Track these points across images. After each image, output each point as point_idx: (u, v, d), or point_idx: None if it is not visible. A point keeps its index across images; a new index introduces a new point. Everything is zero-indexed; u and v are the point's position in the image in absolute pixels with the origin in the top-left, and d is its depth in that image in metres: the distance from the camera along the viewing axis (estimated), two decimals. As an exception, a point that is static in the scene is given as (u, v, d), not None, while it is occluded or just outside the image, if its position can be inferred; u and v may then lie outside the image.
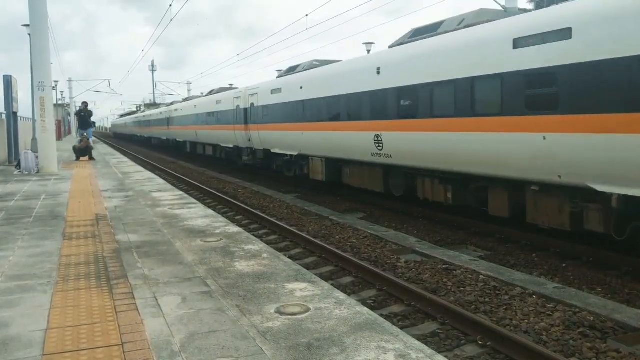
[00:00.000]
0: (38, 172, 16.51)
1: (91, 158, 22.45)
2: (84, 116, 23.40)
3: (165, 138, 43.34)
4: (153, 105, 63.64)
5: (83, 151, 22.46)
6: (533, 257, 8.82)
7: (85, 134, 22.98)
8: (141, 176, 16.31)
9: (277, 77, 20.08)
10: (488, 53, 9.07)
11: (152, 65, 78.42)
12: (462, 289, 7.18)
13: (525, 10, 9.78)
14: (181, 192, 12.65)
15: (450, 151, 10.06)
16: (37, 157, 16.97)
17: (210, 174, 24.06)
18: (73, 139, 35.64)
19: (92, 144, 23.38)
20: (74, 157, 22.70)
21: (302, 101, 15.90)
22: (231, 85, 25.31)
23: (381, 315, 5.68)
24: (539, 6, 9.04)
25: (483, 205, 10.30)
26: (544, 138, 8.05)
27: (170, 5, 24.82)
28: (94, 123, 24.56)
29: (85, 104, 25.00)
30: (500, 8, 10.77)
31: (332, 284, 6.62)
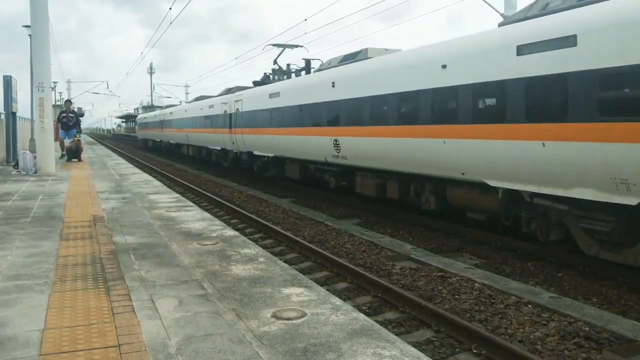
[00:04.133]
0: (36, 172, 16.48)
1: (76, 159, 22.29)
2: (67, 118, 22.17)
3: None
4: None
5: (73, 152, 22.38)
6: (529, 266, 8.85)
7: (77, 136, 22.71)
8: (138, 178, 16.31)
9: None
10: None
11: (151, 68, 78.51)
12: (457, 296, 7.20)
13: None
14: (178, 195, 12.66)
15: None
16: (35, 158, 16.95)
17: (207, 177, 24.07)
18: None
19: (69, 146, 22.70)
20: (72, 157, 22.55)
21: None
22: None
23: (376, 321, 5.69)
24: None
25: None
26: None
27: (170, 9, 24.89)
28: (78, 124, 23.40)
29: (69, 102, 23.87)
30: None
31: (327, 289, 6.63)
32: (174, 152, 39.35)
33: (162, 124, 41.25)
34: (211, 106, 26.52)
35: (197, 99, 34.42)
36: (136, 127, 66.16)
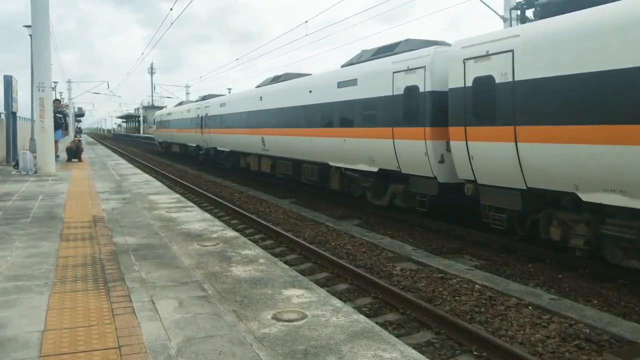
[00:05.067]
0: (36, 172, 16.48)
1: (76, 159, 22.27)
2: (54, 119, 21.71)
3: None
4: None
5: (74, 152, 22.39)
6: (529, 268, 8.84)
7: (77, 137, 22.79)
8: (138, 178, 16.31)
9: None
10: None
11: (151, 68, 78.59)
12: (457, 298, 7.19)
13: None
14: (178, 195, 12.65)
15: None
16: (35, 158, 16.95)
17: (207, 177, 24.04)
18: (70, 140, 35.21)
19: (69, 146, 22.51)
20: (72, 158, 22.61)
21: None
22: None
23: (376, 323, 5.68)
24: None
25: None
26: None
27: (171, 9, 24.93)
28: (65, 125, 23.12)
29: (57, 101, 23.36)
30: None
31: (327, 291, 6.63)
32: (223, 167, 26.26)
33: (204, 121, 27.33)
34: (346, 83, 13.54)
35: (275, 79, 20.21)
36: (154, 126, 50.11)
